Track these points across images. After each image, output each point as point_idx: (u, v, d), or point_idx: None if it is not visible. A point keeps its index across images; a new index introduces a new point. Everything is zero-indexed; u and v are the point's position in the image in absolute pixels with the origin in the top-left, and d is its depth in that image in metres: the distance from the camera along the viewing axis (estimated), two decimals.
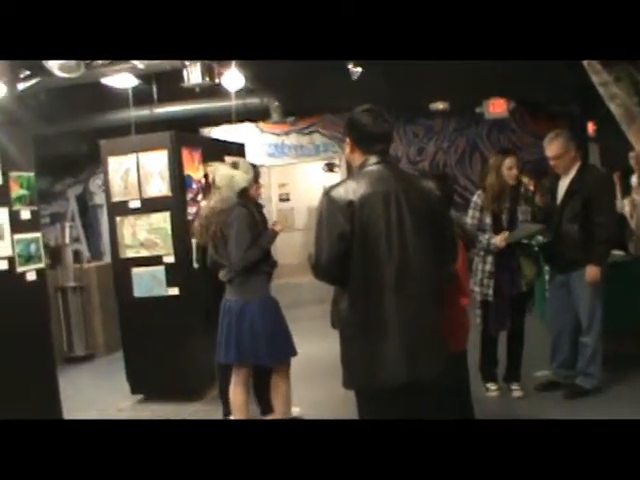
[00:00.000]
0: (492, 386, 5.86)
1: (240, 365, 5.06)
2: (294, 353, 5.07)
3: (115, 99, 9.56)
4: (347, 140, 3.44)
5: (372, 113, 3.34)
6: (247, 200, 5.05)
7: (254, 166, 5.28)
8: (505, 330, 5.80)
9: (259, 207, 5.52)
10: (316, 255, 3.26)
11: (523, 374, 5.93)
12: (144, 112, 10.12)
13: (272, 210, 13.57)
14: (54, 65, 5.98)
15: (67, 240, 9.16)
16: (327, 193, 3.25)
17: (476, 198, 5.74)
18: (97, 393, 7.28)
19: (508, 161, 5.57)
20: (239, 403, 5.08)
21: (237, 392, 5.09)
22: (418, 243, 3.22)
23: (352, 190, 3.18)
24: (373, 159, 3.30)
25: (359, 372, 3.31)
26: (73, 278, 9.06)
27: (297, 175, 14.71)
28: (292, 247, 13.03)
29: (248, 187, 5.05)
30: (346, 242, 3.17)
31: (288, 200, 15.01)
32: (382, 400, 3.28)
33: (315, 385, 6.27)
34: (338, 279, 3.33)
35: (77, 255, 9.86)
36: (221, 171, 5.03)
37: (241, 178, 4.98)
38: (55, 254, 9.18)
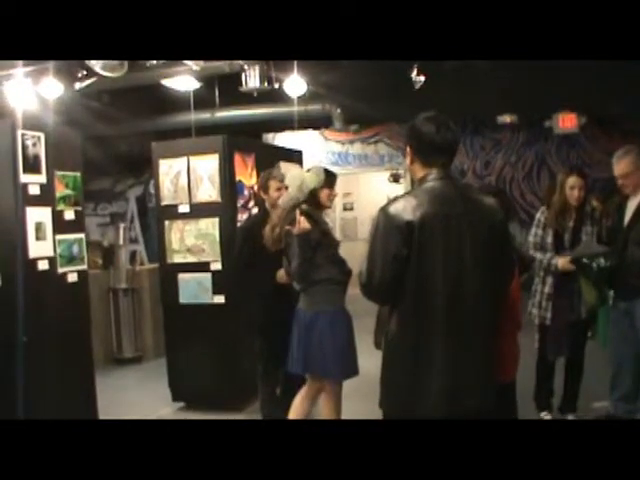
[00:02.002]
0: (546, 416, 5.54)
1: (310, 377, 4.86)
2: (356, 372, 4.81)
3: (177, 102, 9.51)
4: (407, 150, 3.18)
5: (436, 121, 3.06)
6: (316, 205, 4.85)
7: (330, 172, 5.06)
8: (563, 357, 5.48)
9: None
10: (368, 274, 3.03)
11: (580, 405, 5.59)
12: (205, 115, 10.04)
13: (335, 219, 13.39)
14: (96, 64, 5.88)
15: (121, 241, 9.12)
16: (384, 209, 3.01)
17: (539, 215, 5.47)
18: (140, 397, 7.20)
19: (571, 180, 5.27)
20: (299, 415, 4.87)
21: (301, 404, 4.89)
22: (476, 271, 2.97)
23: (411, 209, 2.93)
24: (435, 173, 3.04)
25: (398, 399, 3.09)
26: (125, 280, 9.00)
27: (361, 184, 14.52)
28: (354, 257, 12.78)
29: (318, 189, 4.83)
30: (401, 264, 2.93)
31: (352, 209, 14.83)
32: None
33: (365, 401, 6.02)
34: (388, 300, 3.11)
35: (134, 256, 9.86)
36: (292, 171, 4.93)
37: (311, 179, 4.79)
38: (109, 255, 9.15)
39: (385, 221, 2.97)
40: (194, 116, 9.53)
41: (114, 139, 10.48)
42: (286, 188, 5.33)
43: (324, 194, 4.90)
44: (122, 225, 9.56)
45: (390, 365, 3.13)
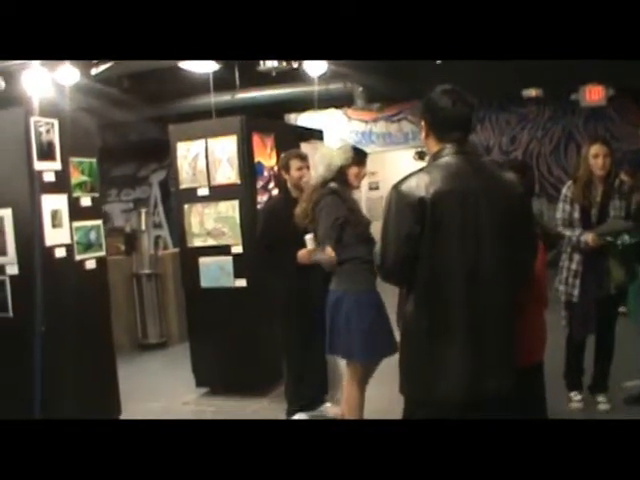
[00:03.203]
0: (576, 396, 5.40)
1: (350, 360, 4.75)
2: (390, 352, 4.51)
3: (197, 84, 9.42)
4: (422, 124, 3.05)
5: (452, 94, 2.92)
6: (344, 184, 4.77)
7: (359, 150, 4.96)
8: (592, 334, 5.33)
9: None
10: (381, 255, 2.93)
11: (612, 384, 5.44)
12: (225, 97, 9.94)
13: (361, 198, 13.24)
14: None
15: (143, 226, 9.07)
16: (396, 187, 2.88)
17: (565, 190, 5.29)
18: (165, 383, 7.17)
19: (594, 148, 5.09)
20: (354, 402, 4.74)
21: (351, 390, 4.76)
22: (495, 248, 2.85)
23: (424, 185, 2.80)
24: (449, 148, 2.90)
25: (418, 382, 2.98)
26: (148, 265, 8.96)
27: (387, 163, 14.34)
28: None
29: (346, 167, 4.74)
30: (414, 243, 2.81)
31: (377, 189, 14.67)
32: (440, 414, 2.92)
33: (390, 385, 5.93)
34: (404, 281, 3.00)
35: (158, 241, 9.83)
36: (322, 150, 4.93)
37: (338, 157, 4.70)
38: (131, 240, 9.12)
39: (397, 199, 2.85)
40: (214, 98, 9.44)
41: (135, 124, 10.41)
42: (307, 168, 5.27)
43: (352, 172, 4.80)
44: (144, 210, 9.50)
45: (408, 348, 3.04)
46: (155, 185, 12.71)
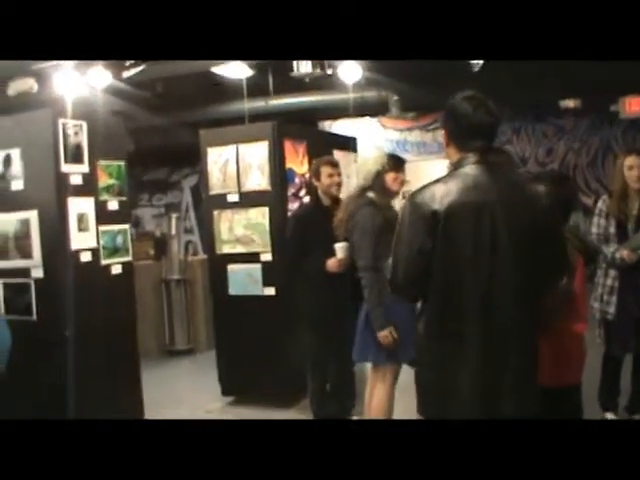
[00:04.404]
0: (611, 417, 5.22)
1: (379, 364, 4.63)
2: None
3: (230, 90, 9.34)
4: (443, 132, 2.93)
5: (473, 101, 2.78)
6: (382, 191, 4.64)
7: (396, 156, 4.89)
8: (630, 353, 5.14)
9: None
10: (393, 269, 2.78)
11: None
12: (259, 104, 9.85)
13: (396, 207, 13.07)
14: None
15: (173, 231, 9.02)
16: (411, 198, 2.75)
17: (601, 204, 5.11)
18: (190, 390, 7.11)
19: (629, 160, 4.92)
20: (384, 408, 4.61)
21: (381, 395, 4.61)
22: (513, 265, 2.67)
23: (439, 197, 2.65)
24: (470, 158, 2.75)
25: (433, 403, 2.87)
26: (177, 271, 8.89)
27: (421, 173, 14.15)
28: None
29: (382, 173, 4.64)
30: (427, 258, 2.67)
31: None
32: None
33: None
34: (415, 297, 2.91)
35: (189, 247, 9.77)
36: (362, 155, 4.75)
37: (374, 163, 4.60)
38: (161, 245, 9.07)
39: (410, 211, 2.72)
40: (248, 104, 9.36)
41: (168, 129, 10.35)
42: (339, 175, 5.17)
43: (390, 178, 4.69)
44: (174, 215, 9.45)
45: (421, 369, 2.93)
46: (187, 190, 12.67)
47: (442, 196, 2.65)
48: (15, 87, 7.03)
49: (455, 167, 2.79)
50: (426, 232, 2.64)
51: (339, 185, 5.28)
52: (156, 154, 11.63)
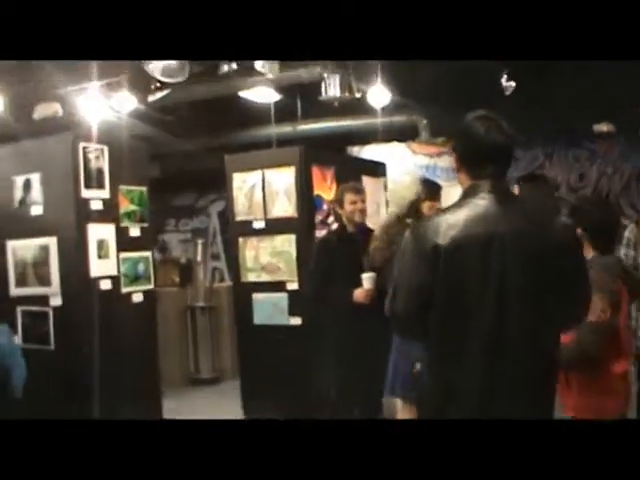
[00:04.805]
0: None
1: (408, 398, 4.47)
2: None
3: (257, 115, 9.24)
4: (454, 156, 2.61)
5: (486, 121, 2.47)
6: (418, 219, 4.42)
7: (432, 183, 4.71)
8: None
9: None
10: (390, 307, 2.51)
11: None
12: (287, 129, 9.73)
13: None
14: (154, 69, 5.55)
15: (199, 257, 8.89)
16: (413, 230, 2.51)
17: (628, 233, 4.89)
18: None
19: None
20: None
21: None
22: (525, 306, 2.38)
23: (444, 229, 2.36)
24: (482, 186, 2.44)
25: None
26: (203, 298, 8.74)
27: (451, 198, 13.96)
28: None
29: (417, 202, 4.49)
30: (426, 296, 2.39)
31: None
32: None
33: None
34: (415, 337, 2.66)
35: (215, 274, 9.65)
36: (395, 182, 4.59)
37: (409, 191, 4.43)
38: (186, 272, 8.94)
39: (411, 244, 2.45)
40: (275, 130, 9.25)
41: (194, 154, 10.25)
42: (363, 201, 5.02)
43: (426, 206, 4.53)
44: (200, 241, 9.33)
45: (423, 411, 2.71)
46: (214, 215, 12.51)
47: (446, 229, 2.37)
48: (40, 111, 6.97)
49: (465, 196, 2.49)
50: (426, 268, 2.37)
51: (362, 212, 5.09)
52: (183, 179, 11.54)
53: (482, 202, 2.42)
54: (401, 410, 4.53)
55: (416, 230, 2.48)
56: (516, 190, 4.51)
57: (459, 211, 2.43)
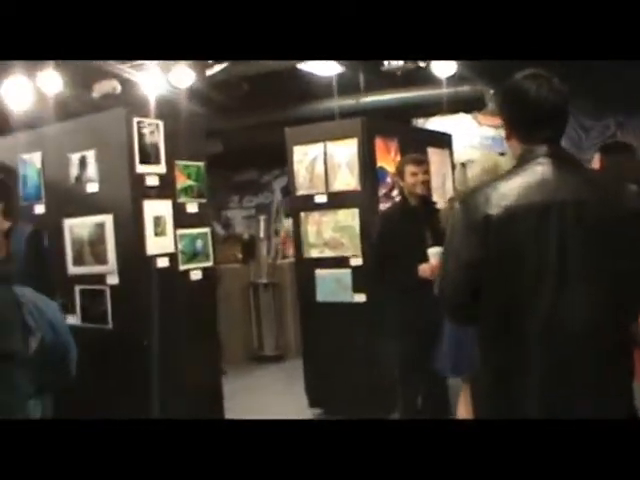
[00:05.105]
0: None
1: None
2: None
3: (320, 87, 9.04)
4: (502, 121, 2.37)
5: (537, 80, 2.23)
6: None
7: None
8: None
9: None
10: (439, 286, 2.29)
11: None
12: (349, 102, 9.51)
13: None
14: None
15: (262, 233, 8.78)
16: (462, 200, 2.27)
17: None
18: (276, 400, 6.78)
19: None
20: None
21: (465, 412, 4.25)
22: (590, 282, 2.12)
23: (495, 199, 2.13)
24: (538, 150, 2.19)
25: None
26: (266, 274, 8.64)
27: None
28: None
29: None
30: (479, 273, 2.16)
31: None
32: None
33: None
34: (467, 320, 2.42)
35: (279, 250, 9.54)
36: (484, 159, 4.36)
37: (507, 165, 4.20)
38: (249, 248, 8.85)
39: (460, 216, 2.22)
40: (338, 102, 9.04)
41: (257, 128, 10.13)
42: (425, 173, 4.82)
43: None
44: (262, 217, 9.24)
45: (477, 396, 2.51)
46: (277, 191, 12.41)
47: (499, 198, 2.13)
48: (99, 89, 6.93)
49: (519, 163, 2.25)
50: (476, 241, 2.14)
51: (425, 184, 4.89)
52: (246, 155, 11.43)
53: (539, 168, 2.18)
54: (465, 390, 4.33)
55: (465, 200, 2.25)
56: (597, 159, 4.25)
57: (513, 179, 2.20)
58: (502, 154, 4.30)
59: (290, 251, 8.88)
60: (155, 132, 4.61)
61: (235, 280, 8.54)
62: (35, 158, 5.02)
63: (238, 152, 11.33)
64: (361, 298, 5.83)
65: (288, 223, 9.69)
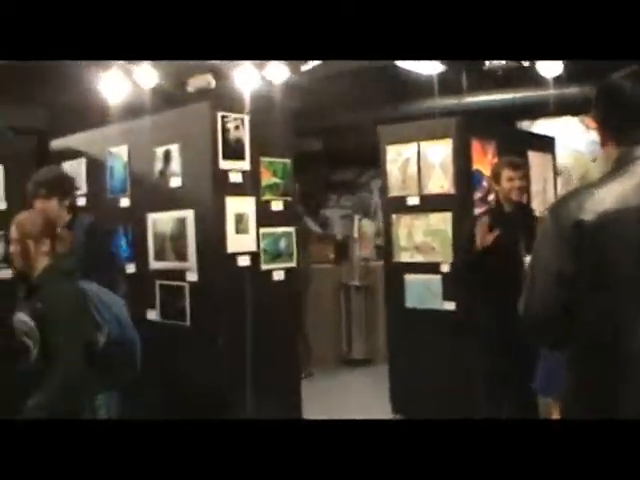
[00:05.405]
0: None
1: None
2: None
3: (421, 87, 8.82)
4: (595, 125, 2.14)
5: (634, 76, 2.02)
6: None
7: None
8: None
9: None
10: (525, 302, 2.06)
11: None
12: (451, 101, 9.24)
13: None
14: None
15: (355, 234, 8.61)
16: (551, 207, 2.07)
17: None
18: (359, 405, 6.58)
19: None
20: None
21: None
22: None
23: (589, 204, 1.90)
24: (636, 152, 1.97)
25: None
26: (358, 276, 8.47)
27: None
28: None
29: None
30: (570, 287, 1.93)
31: None
32: None
33: None
34: (556, 342, 2.16)
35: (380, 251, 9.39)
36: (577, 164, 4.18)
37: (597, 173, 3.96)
38: (342, 249, 8.71)
39: (549, 224, 2.00)
40: (439, 102, 8.80)
41: (356, 126, 9.96)
42: (522, 178, 4.56)
43: None
44: (357, 217, 9.06)
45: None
46: (375, 191, 12.24)
47: (592, 203, 1.91)
48: (194, 83, 6.93)
49: (616, 167, 2.01)
50: (567, 251, 1.92)
51: (521, 189, 4.63)
52: (345, 153, 11.29)
53: (639, 169, 1.94)
54: (554, 413, 4.07)
55: (555, 206, 2.03)
56: None
57: (608, 183, 1.96)
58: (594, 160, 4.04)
59: (366, 251, 8.79)
60: (240, 127, 4.50)
61: (326, 281, 8.42)
62: (122, 151, 5.01)
63: (337, 150, 11.22)
64: (451, 306, 5.60)
65: (369, 224, 9.59)
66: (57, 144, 5.74)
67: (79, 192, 4.94)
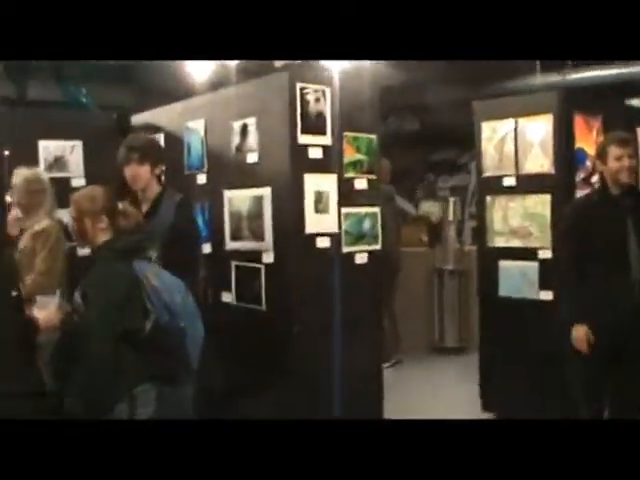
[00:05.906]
0: None
1: None
2: None
3: (522, 63, 8.36)
4: None
5: None
6: None
7: None
8: None
9: None
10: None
11: None
12: (553, 78, 8.73)
13: None
14: None
15: (450, 217, 8.25)
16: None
17: None
18: (447, 397, 6.29)
19: None
20: None
21: None
22: None
23: None
24: None
25: None
26: (452, 260, 8.13)
27: None
28: None
29: None
30: None
31: None
32: None
33: None
34: None
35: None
36: None
37: None
38: (437, 231, 8.39)
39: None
40: (542, 79, 8.33)
41: (455, 105, 9.58)
42: (632, 157, 4.13)
43: None
44: (452, 199, 8.70)
45: None
46: (474, 172, 11.82)
47: None
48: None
49: None
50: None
51: (631, 170, 4.17)
52: (444, 133, 10.91)
53: None
54: None
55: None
56: None
57: None
58: None
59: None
60: (321, 99, 4.23)
61: (419, 265, 8.12)
62: (199, 125, 4.83)
63: (435, 130, 10.87)
64: (548, 296, 5.20)
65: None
66: (136, 120, 5.63)
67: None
